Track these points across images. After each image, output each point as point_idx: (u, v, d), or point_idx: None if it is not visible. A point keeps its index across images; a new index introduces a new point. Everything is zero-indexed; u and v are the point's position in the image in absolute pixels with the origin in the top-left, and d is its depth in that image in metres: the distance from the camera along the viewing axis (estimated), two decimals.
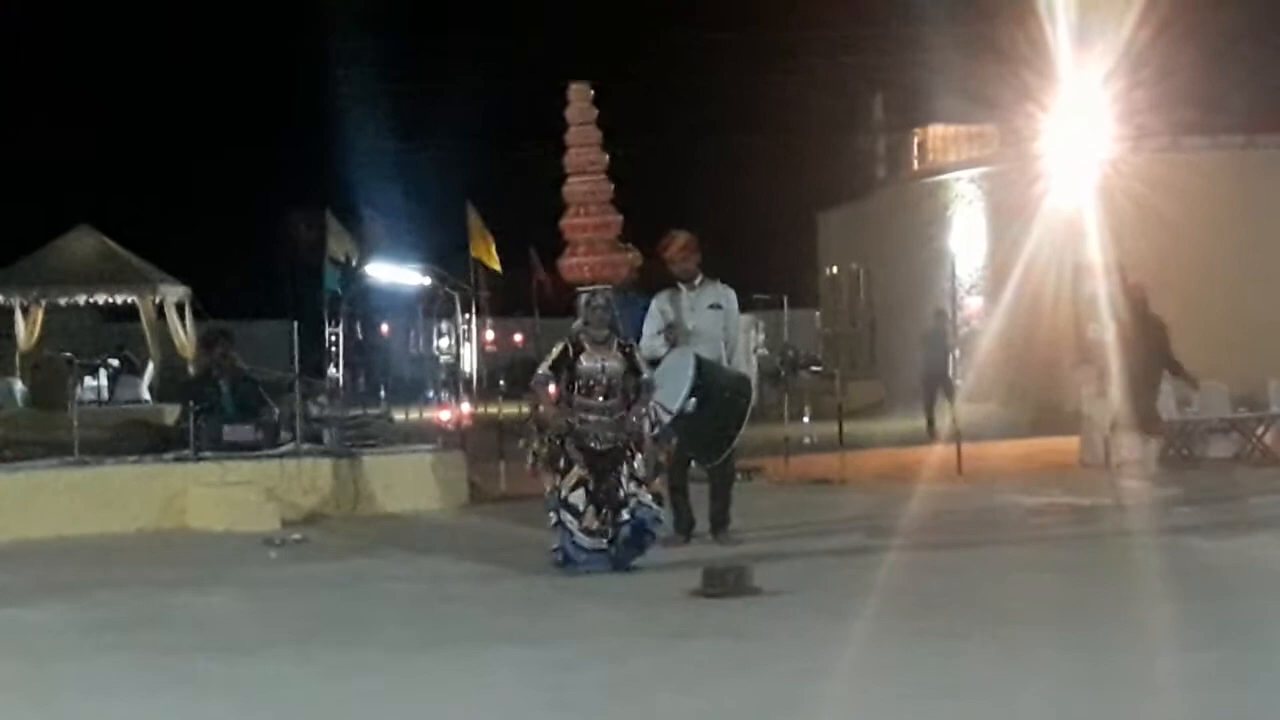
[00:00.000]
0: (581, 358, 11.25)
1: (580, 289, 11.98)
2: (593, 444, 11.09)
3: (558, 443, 11.12)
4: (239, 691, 7.90)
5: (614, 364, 11.27)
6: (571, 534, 11.00)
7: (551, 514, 11.11)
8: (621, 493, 11.08)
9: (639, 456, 11.18)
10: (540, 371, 11.42)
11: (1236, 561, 11.47)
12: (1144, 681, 7.71)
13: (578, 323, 11.51)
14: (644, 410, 11.30)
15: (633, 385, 11.30)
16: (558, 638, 9.02)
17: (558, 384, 11.28)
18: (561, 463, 11.08)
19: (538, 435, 11.31)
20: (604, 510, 11.02)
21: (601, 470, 11.08)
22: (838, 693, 7.63)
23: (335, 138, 35.44)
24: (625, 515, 11.06)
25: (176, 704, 7.68)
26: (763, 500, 15.17)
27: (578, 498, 11.00)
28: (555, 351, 11.40)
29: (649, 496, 11.25)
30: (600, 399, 11.19)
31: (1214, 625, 8.95)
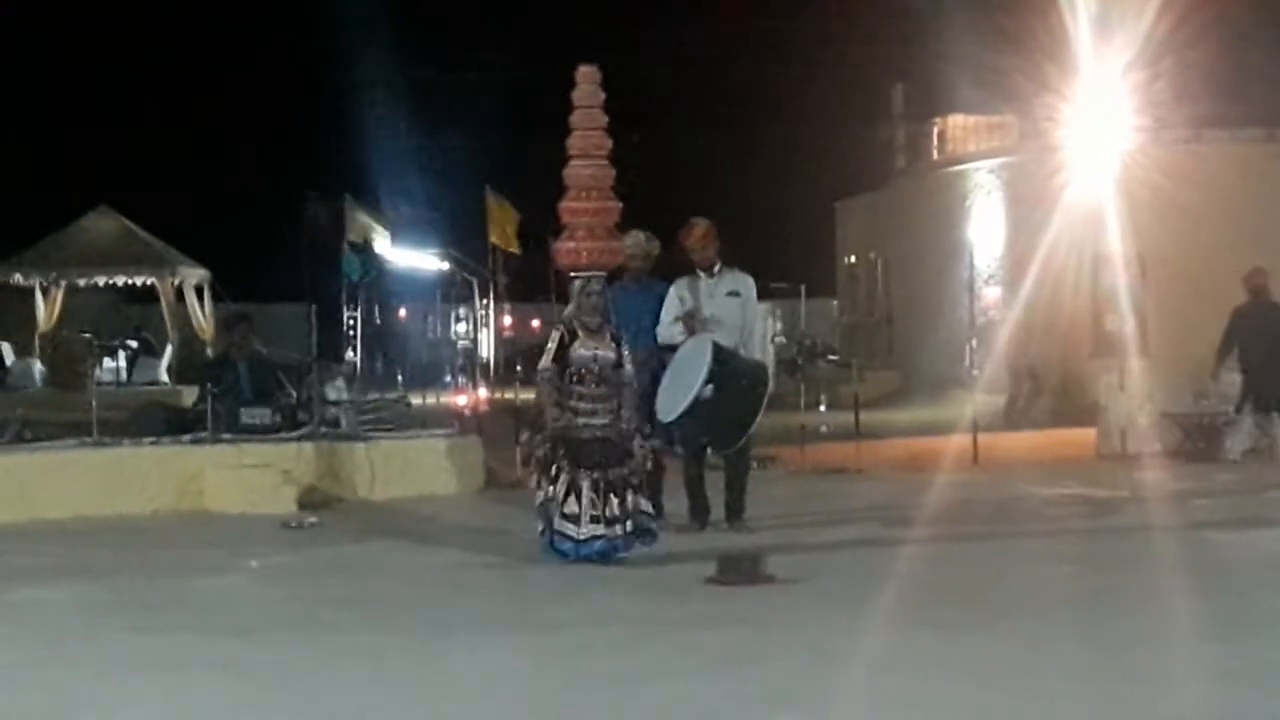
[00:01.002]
0: (575, 345, 11.05)
1: (575, 274, 11.90)
2: (584, 434, 10.88)
3: (550, 446, 10.90)
4: (253, 673, 7.93)
5: (606, 353, 11.08)
6: (569, 537, 10.77)
7: (539, 522, 10.91)
8: (625, 492, 10.86)
9: (635, 457, 11.00)
10: (545, 366, 11.09)
11: (1253, 555, 11.45)
12: (1159, 675, 7.70)
13: (570, 309, 11.31)
14: (632, 413, 11.10)
15: (624, 378, 11.13)
16: (571, 624, 9.02)
17: (561, 380, 11.02)
18: (554, 470, 10.84)
19: (539, 434, 11.14)
20: (597, 501, 10.78)
21: (593, 460, 10.84)
22: (852, 681, 7.63)
23: (357, 122, 35.51)
24: (620, 512, 10.83)
25: (191, 685, 7.70)
26: (778, 489, 15.16)
27: (571, 505, 10.78)
28: (554, 343, 11.15)
29: (647, 504, 11.11)
30: (592, 387, 11.01)
31: (1230, 619, 8.93)
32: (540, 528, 10.96)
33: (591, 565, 10.74)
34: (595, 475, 10.84)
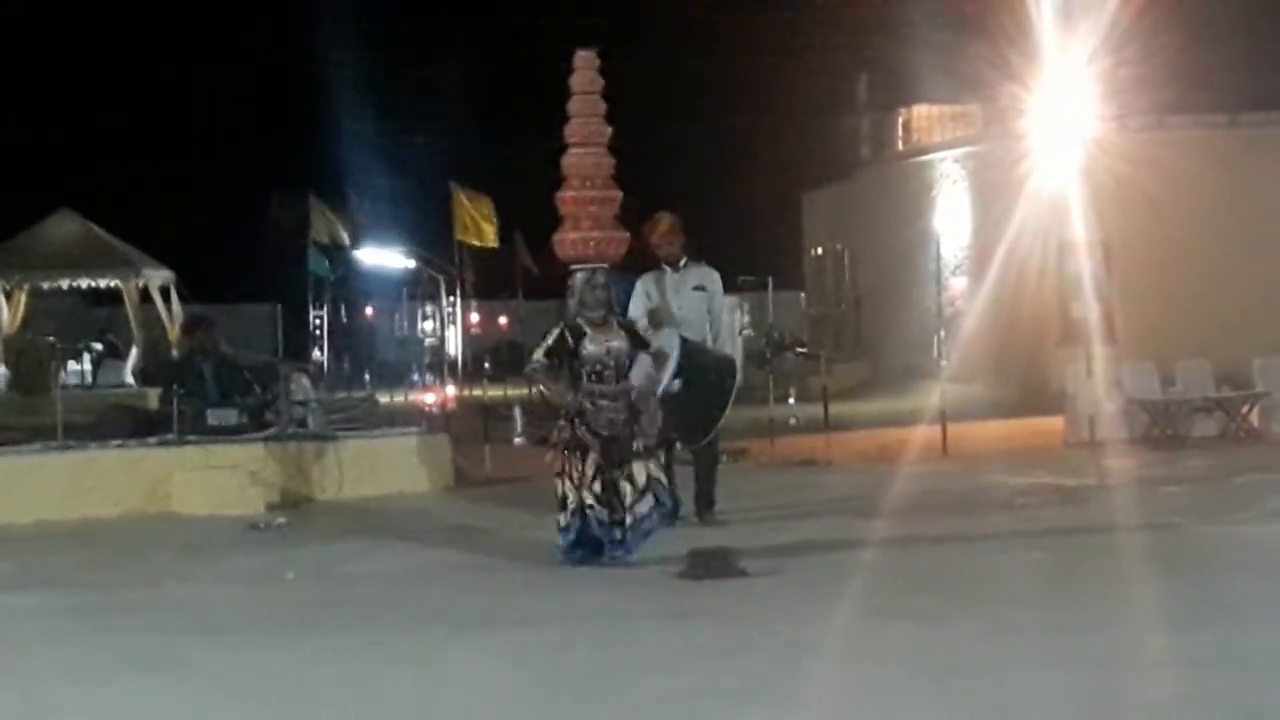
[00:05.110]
0: (585, 343, 10.68)
1: (577, 267, 11.65)
2: (605, 431, 10.61)
3: (570, 428, 10.61)
4: (224, 676, 7.89)
5: (619, 344, 10.78)
6: (600, 523, 10.57)
7: (571, 508, 10.57)
8: (643, 479, 10.67)
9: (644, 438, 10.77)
10: (536, 359, 10.82)
11: (1222, 541, 11.48)
12: (1130, 661, 7.71)
13: (573, 304, 10.96)
14: (642, 380, 10.82)
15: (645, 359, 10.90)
16: (544, 619, 9.01)
17: (557, 372, 10.73)
18: (579, 453, 10.56)
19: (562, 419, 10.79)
20: (617, 497, 10.62)
21: (614, 456, 10.61)
22: (823, 672, 7.63)
23: (321, 121, 35.41)
24: (648, 505, 10.70)
25: (161, 689, 7.66)
26: (748, 482, 15.16)
27: (599, 487, 10.56)
28: (550, 338, 10.80)
29: (665, 483, 10.93)
30: (611, 384, 10.68)
31: (1200, 604, 8.96)
32: (572, 509, 10.60)
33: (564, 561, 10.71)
34: (615, 474, 10.59)
